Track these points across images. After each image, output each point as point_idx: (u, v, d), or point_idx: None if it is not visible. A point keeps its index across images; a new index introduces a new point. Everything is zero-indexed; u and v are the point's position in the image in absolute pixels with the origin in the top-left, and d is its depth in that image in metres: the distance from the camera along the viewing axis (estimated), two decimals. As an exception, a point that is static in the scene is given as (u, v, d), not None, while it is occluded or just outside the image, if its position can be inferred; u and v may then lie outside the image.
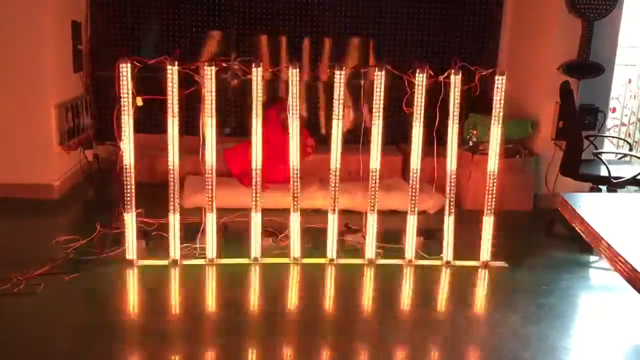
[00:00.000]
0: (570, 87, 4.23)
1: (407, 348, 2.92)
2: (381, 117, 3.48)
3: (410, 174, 3.60)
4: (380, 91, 3.43)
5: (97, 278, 3.35)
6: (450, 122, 3.49)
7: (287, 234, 3.72)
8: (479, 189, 3.84)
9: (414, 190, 3.60)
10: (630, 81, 5.68)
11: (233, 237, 3.88)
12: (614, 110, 5.60)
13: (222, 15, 5.31)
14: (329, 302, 3.37)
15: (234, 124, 5.40)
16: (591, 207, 2.12)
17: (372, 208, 3.60)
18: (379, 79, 3.42)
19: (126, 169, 3.37)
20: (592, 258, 3.98)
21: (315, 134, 5.12)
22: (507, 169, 4.23)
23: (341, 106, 3.46)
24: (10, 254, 3.58)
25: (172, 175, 3.42)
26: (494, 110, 3.53)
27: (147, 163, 4.78)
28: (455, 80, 3.46)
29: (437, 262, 3.69)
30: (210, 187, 3.47)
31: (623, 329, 3.12)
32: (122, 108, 3.28)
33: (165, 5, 5.27)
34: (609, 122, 5.42)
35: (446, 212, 3.64)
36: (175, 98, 3.32)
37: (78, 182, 4.96)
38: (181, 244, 3.54)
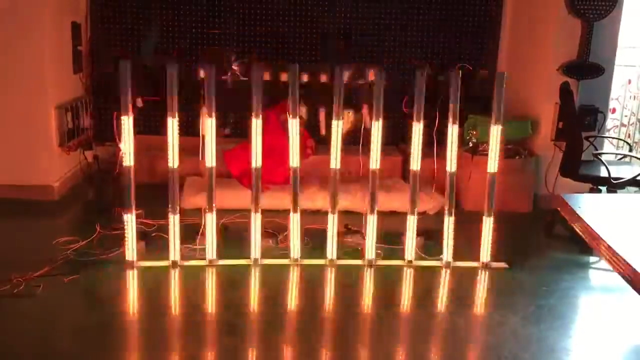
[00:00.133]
0: (570, 87, 4.23)
1: (407, 349, 2.92)
2: (381, 118, 3.48)
3: (410, 174, 3.60)
4: (380, 92, 3.43)
5: (97, 279, 3.35)
6: (450, 122, 3.49)
7: (287, 235, 3.72)
8: (478, 189, 3.83)
9: (413, 191, 3.60)
10: (630, 82, 5.68)
11: (233, 238, 3.88)
12: (613, 111, 5.59)
13: (222, 16, 5.31)
14: (328, 303, 3.37)
15: (233, 125, 5.39)
16: (591, 208, 2.12)
17: (371, 209, 3.60)
18: (379, 79, 3.42)
19: (126, 170, 3.37)
20: (592, 259, 3.98)
21: (315, 135, 5.12)
22: (507, 170, 4.22)
23: (341, 107, 3.46)
24: (10, 255, 3.57)
25: (171, 176, 3.42)
26: (493, 111, 3.53)
27: (146, 164, 4.78)
28: (455, 81, 3.46)
29: (437, 263, 3.69)
30: (210, 188, 3.47)
31: (623, 329, 3.12)
32: (122, 109, 3.28)
33: (165, 6, 5.27)
34: (609, 123, 5.42)
35: (446, 213, 3.64)
36: (175, 99, 3.32)
37: (78, 183, 4.96)
38: (181, 245, 3.54)
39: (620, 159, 4.67)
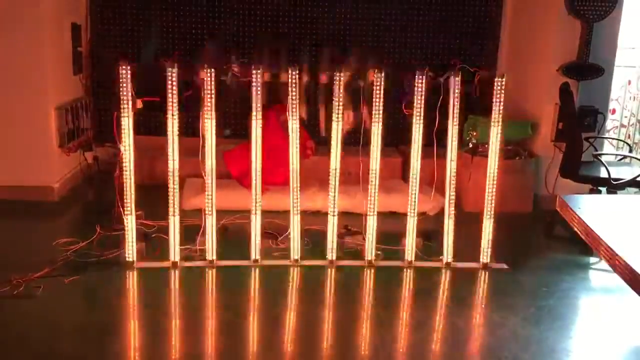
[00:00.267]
0: (570, 88, 4.23)
1: (407, 349, 2.91)
2: (381, 119, 3.48)
3: (410, 175, 3.60)
4: (379, 93, 3.43)
5: (97, 280, 3.35)
6: (450, 123, 3.49)
7: (287, 236, 3.72)
8: (478, 190, 3.83)
9: (413, 192, 3.60)
10: (629, 83, 5.68)
11: (233, 239, 3.88)
12: (613, 111, 5.59)
13: (222, 17, 5.32)
14: (328, 304, 3.37)
15: (233, 126, 5.40)
16: (591, 209, 2.12)
17: (371, 210, 3.60)
18: (379, 80, 3.42)
19: (126, 171, 3.37)
20: (592, 260, 3.98)
21: (315, 135, 5.12)
22: (507, 171, 4.23)
23: (341, 108, 3.46)
24: (10, 256, 3.57)
25: (171, 177, 3.42)
26: (493, 112, 3.53)
27: (146, 165, 4.78)
28: (455, 82, 3.46)
29: (437, 264, 3.68)
30: (210, 189, 3.47)
31: (623, 330, 3.11)
32: (122, 110, 3.28)
33: (165, 8, 5.27)
34: (609, 124, 5.42)
35: (446, 214, 3.64)
36: (175, 100, 3.33)
37: (78, 184, 4.96)
38: (181, 246, 3.54)
39: (620, 159, 4.67)
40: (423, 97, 3.45)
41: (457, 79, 3.46)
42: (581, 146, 4.17)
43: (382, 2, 5.36)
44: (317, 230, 3.81)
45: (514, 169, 4.67)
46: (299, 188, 3.56)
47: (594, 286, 3.77)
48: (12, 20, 4.29)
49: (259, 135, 3.46)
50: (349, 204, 4.13)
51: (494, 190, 3.61)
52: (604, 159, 4.15)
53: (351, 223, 4.03)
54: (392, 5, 5.37)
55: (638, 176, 3.94)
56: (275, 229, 3.95)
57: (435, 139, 3.55)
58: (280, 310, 3.19)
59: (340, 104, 3.45)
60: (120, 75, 3.25)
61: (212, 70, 3.32)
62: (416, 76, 3.42)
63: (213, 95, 3.34)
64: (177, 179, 3.43)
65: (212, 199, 3.48)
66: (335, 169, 3.53)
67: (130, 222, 3.43)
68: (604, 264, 3.68)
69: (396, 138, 5.07)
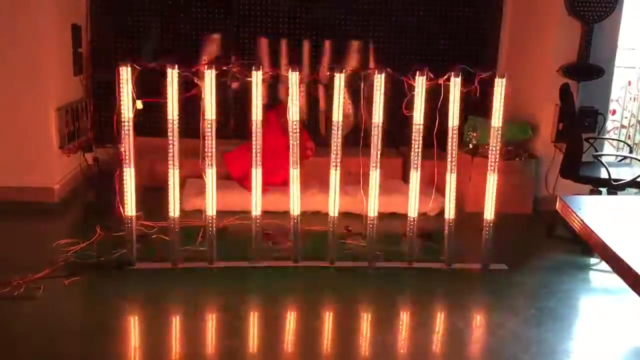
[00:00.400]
0: (570, 89, 4.23)
1: (407, 351, 2.91)
2: (381, 120, 3.48)
3: (411, 176, 3.60)
4: (380, 94, 3.43)
5: (97, 281, 3.34)
6: (450, 124, 3.50)
7: (287, 237, 3.72)
8: (479, 191, 3.83)
9: (414, 193, 3.60)
10: (630, 83, 5.68)
11: (233, 239, 3.88)
12: (613, 112, 5.60)
13: (222, 18, 5.32)
14: (328, 305, 3.37)
15: (233, 127, 5.40)
16: (591, 210, 2.12)
17: (372, 211, 3.60)
18: (379, 81, 3.42)
19: (126, 172, 3.37)
20: (593, 260, 3.98)
21: (315, 136, 5.12)
22: (507, 171, 4.23)
23: (341, 109, 3.46)
24: (10, 257, 3.57)
25: (172, 178, 3.42)
26: (494, 113, 3.53)
27: (147, 166, 4.78)
28: (455, 83, 3.46)
29: (437, 265, 3.68)
30: (210, 190, 3.47)
31: (623, 331, 3.11)
32: (122, 111, 3.28)
33: (165, 9, 5.27)
34: (609, 125, 5.42)
35: (446, 215, 3.64)
36: (175, 101, 3.33)
37: (78, 185, 4.96)
38: (181, 247, 3.54)
39: (621, 160, 4.67)
40: (423, 98, 3.45)
41: (457, 79, 3.46)
42: (581, 147, 4.17)
43: (383, 2, 5.36)
44: (317, 231, 3.81)
45: (514, 169, 4.67)
46: (299, 189, 3.56)
47: (594, 287, 3.77)
48: (12, 21, 4.29)
49: (259, 136, 3.45)
50: (349, 205, 4.13)
51: (494, 190, 3.61)
52: (604, 159, 4.15)
53: (351, 223, 4.02)
54: (392, 6, 5.37)
55: (638, 177, 3.93)
56: (275, 230, 3.95)
57: (435, 139, 3.55)
58: (280, 311, 3.19)
59: (341, 104, 3.45)
60: (121, 76, 3.25)
61: (213, 70, 3.32)
62: (416, 77, 3.42)
63: (213, 96, 3.34)
64: (177, 179, 3.43)
65: (212, 199, 3.48)
66: (336, 170, 3.53)
67: (130, 223, 3.43)
68: (604, 265, 3.68)
69: (396, 139, 5.07)
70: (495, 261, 3.71)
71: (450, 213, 3.62)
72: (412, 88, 3.45)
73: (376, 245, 3.64)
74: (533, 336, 2.97)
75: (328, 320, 3.19)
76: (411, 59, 5.33)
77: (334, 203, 3.57)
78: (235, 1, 5.28)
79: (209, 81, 3.32)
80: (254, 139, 3.45)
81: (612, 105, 5.43)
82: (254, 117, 3.43)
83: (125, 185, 3.40)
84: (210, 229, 3.50)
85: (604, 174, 3.99)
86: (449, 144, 3.51)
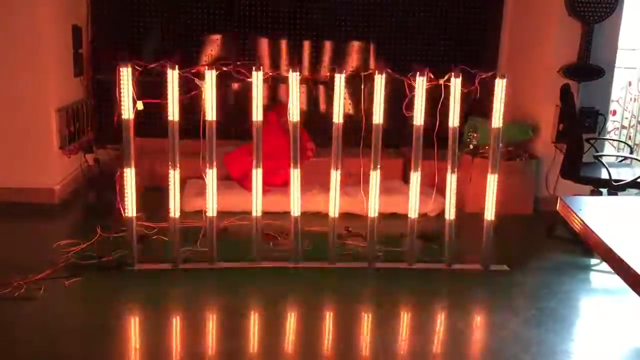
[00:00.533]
0: (571, 89, 4.23)
1: (407, 351, 2.91)
2: (381, 120, 3.48)
3: (411, 176, 3.60)
4: (380, 94, 3.43)
5: (98, 282, 3.35)
6: (450, 125, 3.50)
7: (288, 237, 3.72)
8: (479, 191, 3.83)
9: (414, 193, 3.60)
10: (630, 84, 5.68)
11: (233, 240, 3.88)
12: (614, 113, 5.60)
13: (223, 19, 5.32)
14: (329, 305, 3.37)
15: (234, 128, 5.40)
16: (592, 210, 2.12)
17: (372, 211, 3.60)
18: (379, 82, 3.42)
19: (126, 172, 3.38)
20: (593, 261, 3.97)
21: (316, 137, 5.12)
22: (508, 172, 4.23)
23: (342, 109, 3.46)
24: (11, 258, 3.57)
25: (172, 179, 3.42)
26: (494, 113, 3.53)
27: (147, 166, 4.78)
28: (456, 83, 3.46)
29: (438, 265, 3.68)
30: (210, 191, 3.47)
31: (624, 332, 3.11)
32: (122, 112, 3.28)
33: (166, 9, 5.27)
34: (609, 125, 5.42)
35: (447, 215, 3.64)
36: (176, 102, 3.33)
37: (78, 186, 4.96)
38: (181, 247, 3.54)
39: (621, 161, 4.67)
40: (424, 99, 3.45)
41: (457, 80, 3.46)
42: (582, 147, 4.17)
43: (384, 3, 5.36)
44: (317, 232, 3.81)
45: (514, 170, 4.67)
46: (299, 189, 3.56)
47: (594, 288, 3.77)
48: (12, 22, 4.30)
49: (260, 136, 3.46)
50: (349, 205, 4.13)
51: (495, 191, 3.61)
52: (604, 160, 4.15)
53: (352, 224, 4.02)
54: (393, 6, 5.37)
55: (639, 177, 3.93)
56: (275, 231, 3.95)
57: (435, 140, 3.55)
58: (280, 311, 3.19)
59: (341, 105, 3.45)
60: (121, 77, 3.25)
61: (213, 71, 3.32)
62: (417, 77, 3.42)
63: (214, 96, 3.34)
64: (177, 180, 3.43)
65: (212, 200, 3.48)
66: (336, 171, 3.53)
67: (131, 224, 3.43)
68: (604, 266, 3.67)
69: (397, 139, 5.07)
70: (496, 262, 3.70)
71: (450, 213, 3.62)
72: (412, 88, 3.45)
73: (376, 245, 3.64)
74: (533, 337, 2.97)
75: (328, 321, 3.20)
76: (411, 60, 5.33)
77: (334, 203, 3.57)
78: (235, 2, 5.29)
79: (209, 82, 3.32)
80: (254, 139, 3.45)
81: (613, 106, 5.43)
82: (254, 118, 3.43)
83: (125, 187, 3.40)
84: (210, 229, 3.50)
85: (604, 175, 3.99)
86: (450, 144, 3.51)
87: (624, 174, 4.06)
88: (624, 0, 4.60)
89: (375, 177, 3.55)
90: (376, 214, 3.60)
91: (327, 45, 5.41)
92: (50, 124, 4.51)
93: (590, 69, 4.62)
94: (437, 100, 3.46)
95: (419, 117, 3.48)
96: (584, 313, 3.42)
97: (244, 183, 4.48)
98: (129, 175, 3.38)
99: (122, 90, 3.26)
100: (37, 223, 4.26)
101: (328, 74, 5.29)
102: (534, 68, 4.99)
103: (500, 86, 3.50)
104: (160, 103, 3.38)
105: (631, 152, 5.22)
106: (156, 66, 3.31)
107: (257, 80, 3.39)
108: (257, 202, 3.52)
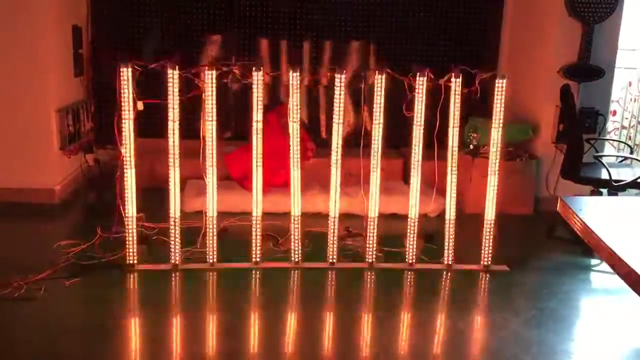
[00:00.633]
0: (571, 90, 4.23)
1: (407, 351, 2.91)
2: (381, 121, 3.48)
3: (411, 177, 3.60)
4: (380, 95, 3.43)
5: (98, 283, 3.34)
6: (450, 125, 3.49)
7: (288, 238, 3.72)
8: (479, 192, 3.83)
9: (414, 194, 3.60)
10: (630, 84, 5.68)
11: (233, 241, 3.88)
12: (614, 113, 5.60)
13: (223, 19, 5.32)
14: (329, 306, 3.37)
15: (234, 128, 5.40)
16: (592, 210, 2.12)
17: (372, 211, 3.60)
18: (380, 82, 3.42)
19: (126, 173, 3.37)
20: (593, 261, 3.97)
21: (316, 137, 5.12)
22: (508, 172, 4.23)
23: (342, 110, 3.46)
24: (11, 258, 3.57)
25: (172, 179, 3.42)
26: (494, 114, 3.53)
27: (147, 167, 4.78)
28: (456, 84, 3.46)
29: (438, 266, 3.68)
30: (210, 191, 3.47)
31: (624, 332, 3.11)
32: (123, 112, 3.28)
33: (166, 9, 5.27)
34: (610, 125, 5.42)
35: (447, 216, 3.64)
36: (176, 102, 3.33)
37: (79, 186, 4.96)
38: (182, 248, 3.54)
39: (621, 161, 4.67)
40: (424, 99, 3.45)
41: (457, 80, 3.45)
42: (582, 148, 4.17)
43: (384, 3, 5.36)
44: (317, 232, 3.81)
45: (514, 170, 4.67)
46: (299, 190, 3.56)
47: (595, 288, 3.77)
48: (13, 22, 4.30)
49: (260, 137, 3.45)
50: (349, 206, 4.13)
51: (495, 191, 3.61)
52: (604, 160, 4.15)
53: (352, 224, 4.02)
54: (393, 6, 5.37)
55: (639, 177, 3.93)
56: (275, 231, 3.95)
57: (435, 140, 3.55)
58: (280, 312, 3.19)
59: (342, 105, 3.45)
60: (121, 77, 3.25)
61: (214, 72, 3.32)
62: (417, 78, 3.42)
63: (214, 97, 3.34)
64: (178, 180, 3.43)
65: (212, 200, 3.48)
66: (336, 171, 3.53)
67: (131, 225, 3.43)
68: (605, 266, 3.68)
69: (397, 139, 5.07)
70: (496, 262, 3.70)
71: (450, 214, 3.62)
72: (412, 89, 3.45)
73: (376, 246, 3.64)
74: (534, 337, 2.96)
75: (328, 321, 3.19)
76: (412, 60, 5.33)
77: (334, 204, 3.57)
78: (235, 2, 5.29)
79: (209, 82, 3.32)
80: (254, 139, 3.45)
81: (613, 106, 5.43)
82: (254, 118, 3.43)
83: (125, 187, 3.40)
84: (210, 230, 3.50)
85: (604, 175, 3.99)
86: (450, 144, 3.51)
87: (624, 174, 4.06)
88: (624, 1, 4.60)
89: (375, 177, 3.55)
90: (376, 214, 3.60)
91: (327, 45, 5.40)
92: (50, 124, 4.51)
93: (590, 69, 4.62)
94: (437, 101, 3.46)
95: (419, 117, 3.48)
96: (584, 313, 3.42)
97: (244, 183, 4.48)
98: (129, 176, 3.38)
99: (122, 91, 3.25)
100: (37, 223, 4.26)
101: (328, 74, 5.29)
102: (534, 68, 4.99)
103: (500, 86, 3.50)
104: (160, 103, 3.38)
105: (631, 153, 5.22)
106: (156, 66, 3.31)
107: (257, 80, 3.39)
108: (257, 203, 3.52)
